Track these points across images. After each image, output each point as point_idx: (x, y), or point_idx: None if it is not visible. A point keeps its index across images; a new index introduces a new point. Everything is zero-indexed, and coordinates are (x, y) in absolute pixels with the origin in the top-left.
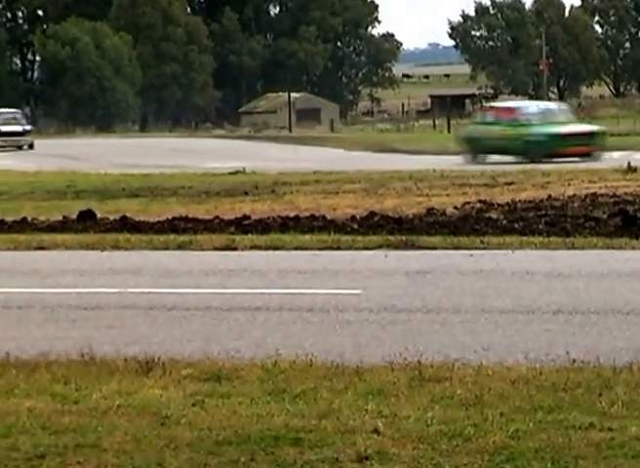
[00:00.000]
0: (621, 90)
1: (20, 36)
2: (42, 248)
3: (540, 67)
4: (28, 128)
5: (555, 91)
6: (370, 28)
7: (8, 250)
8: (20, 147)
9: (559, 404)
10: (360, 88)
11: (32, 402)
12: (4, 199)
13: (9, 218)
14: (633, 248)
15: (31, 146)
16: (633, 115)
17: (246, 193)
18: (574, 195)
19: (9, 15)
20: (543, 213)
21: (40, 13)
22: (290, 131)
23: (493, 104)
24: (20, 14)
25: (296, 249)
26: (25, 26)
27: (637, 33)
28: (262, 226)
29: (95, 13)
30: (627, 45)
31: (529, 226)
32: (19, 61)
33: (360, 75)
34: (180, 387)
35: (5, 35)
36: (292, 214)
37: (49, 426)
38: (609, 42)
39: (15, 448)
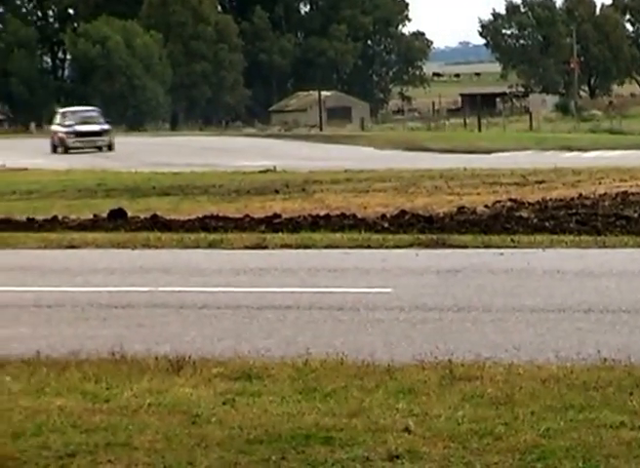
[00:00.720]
0: None
1: (51, 35)
2: (73, 246)
3: (571, 65)
4: (107, 127)
5: (586, 89)
6: (400, 27)
7: (39, 248)
8: (98, 148)
9: (590, 402)
10: (391, 86)
11: (63, 400)
12: (35, 197)
13: (40, 217)
14: None
15: (110, 147)
16: None
17: (276, 192)
18: (605, 194)
19: (40, 13)
20: (574, 211)
21: (71, 11)
22: (320, 129)
23: None
24: (50, 12)
25: (326, 247)
26: (56, 25)
27: None
28: (293, 225)
29: (125, 11)
30: None
31: (559, 225)
32: (49, 60)
33: (390, 73)
34: (210, 386)
35: (36, 34)
36: (322, 213)
37: (80, 425)
38: None
39: (46, 447)
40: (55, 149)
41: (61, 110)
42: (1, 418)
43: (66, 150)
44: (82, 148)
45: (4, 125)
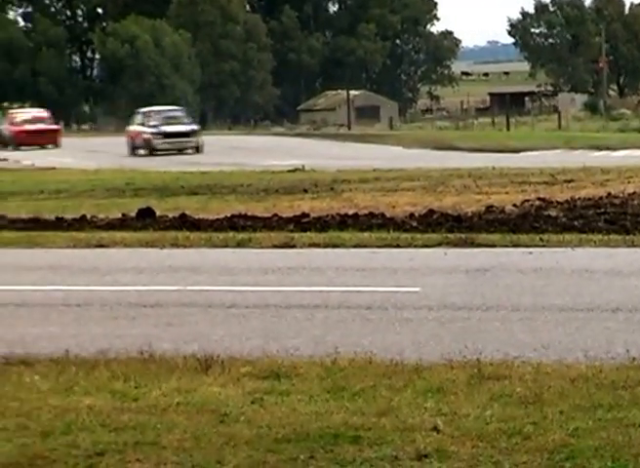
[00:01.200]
0: None
1: (80, 34)
2: (101, 245)
3: (600, 65)
4: (196, 127)
5: (615, 88)
6: (429, 26)
7: (67, 247)
8: (186, 150)
9: (619, 402)
10: (419, 85)
11: (92, 399)
12: (64, 197)
13: (69, 216)
14: None
15: (198, 150)
16: None
17: (305, 191)
18: (634, 193)
19: (69, 13)
20: (603, 210)
21: (100, 11)
22: (349, 128)
23: None
24: (79, 12)
25: (354, 246)
26: (85, 24)
27: None
28: (321, 224)
29: (154, 11)
30: None
31: (588, 224)
32: (78, 59)
33: (419, 73)
34: (238, 385)
35: (65, 33)
36: (351, 212)
37: (108, 424)
38: None
39: (74, 446)
40: (134, 151)
41: (144, 110)
42: (30, 417)
43: (152, 152)
44: (170, 150)
45: None
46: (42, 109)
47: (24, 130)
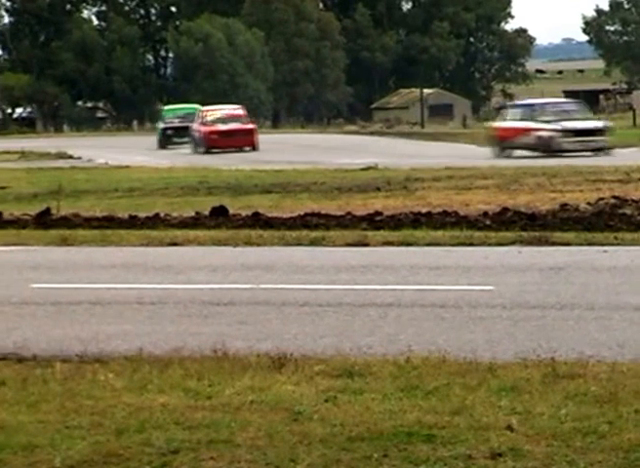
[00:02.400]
0: None
1: (154, 33)
2: (175, 244)
3: None
4: (609, 124)
5: None
6: (503, 24)
7: (141, 245)
8: (598, 150)
9: None
10: (493, 83)
11: (166, 397)
12: (137, 195)
13: (142, 214)
14: None
15: (608, 151)
16: None
17: (378, 189)
18: None
19: (142, 11)
20: None
21: (173, 9)
22: (422, 126)
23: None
24: (153, 10)
25: (428, 245)
26: (159, 23)
27: None
28: (394, 222)
29: (227, 9)
30: None
31: None
32: (152, 58)
33: (493, 71)
34: (312, 383)
35: (138, 32)
36: (424, 210)
37: (182, 421)
38: None
39: (148, 444)
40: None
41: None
42: (104, 415)
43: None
44: (580, 151)
45: (107, 123)
46: (237, 106)
47: (216, 130)
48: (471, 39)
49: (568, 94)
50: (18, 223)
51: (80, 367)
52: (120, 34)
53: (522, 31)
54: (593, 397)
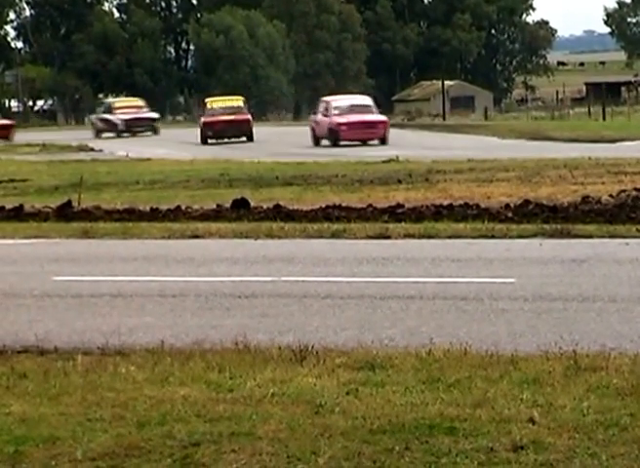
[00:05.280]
0: None
1: (175, 25)
2: (196, 236)
3: None
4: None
5: None
6: (524, 15)
7: (162, 238)
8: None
9: None
10: (514, 75)
11: (187, 390)
12: (159, 187)
13: (164, 207)
14: None
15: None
16: None
17: (399, 181)
18: None
19: (163, 4)
20: None
21: (194, 2)
22: (443, 119)
23: None
24: (174, 3)
25: (449, 237)
26: (180, 15)
27: None
28: (416, 215)
29: (248, 1)
30: None
31: None
32: (173, 50)
33: (514, 63)
34: (333, 376)
35: (160, 24)
36: (445, 203)
37: (204, 414)
38: None
39: (170, 436)
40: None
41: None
42: (126, 407)
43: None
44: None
45: None
46: (365, 96)
47: (348, 122)
48: (493, 31)
49: (590, 85)
50: (39, 216)
51: (101, 359)
52: (141, 27)
53: (544, 23)
54: (615, 389)
